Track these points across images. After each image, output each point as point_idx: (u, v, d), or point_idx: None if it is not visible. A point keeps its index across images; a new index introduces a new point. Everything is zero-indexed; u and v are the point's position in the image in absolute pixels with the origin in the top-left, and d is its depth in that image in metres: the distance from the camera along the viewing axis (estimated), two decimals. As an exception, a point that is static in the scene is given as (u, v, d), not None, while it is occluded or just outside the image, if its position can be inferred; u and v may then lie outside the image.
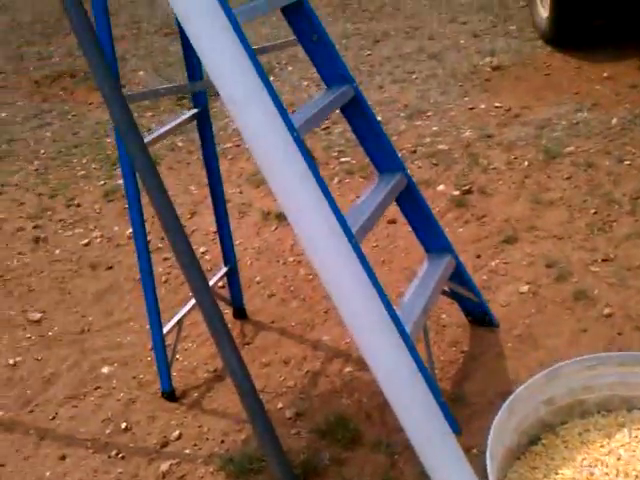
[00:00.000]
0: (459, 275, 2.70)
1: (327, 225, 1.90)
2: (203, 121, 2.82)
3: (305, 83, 5.74)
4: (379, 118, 4.66)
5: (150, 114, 5.71)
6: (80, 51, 5.99)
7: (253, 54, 1.93)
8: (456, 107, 4.95)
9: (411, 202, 2.55)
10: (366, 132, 2.46)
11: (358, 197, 4.00)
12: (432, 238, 2.63)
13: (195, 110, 2.79)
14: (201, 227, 4.03)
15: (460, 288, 2.69)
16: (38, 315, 3.50)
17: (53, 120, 6.04)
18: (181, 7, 1.65)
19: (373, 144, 2.47)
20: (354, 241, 1.91)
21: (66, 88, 6.71)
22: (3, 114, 6.37)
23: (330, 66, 2.41)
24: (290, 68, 6.12)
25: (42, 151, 5.47)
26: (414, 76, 5.61)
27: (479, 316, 2.83)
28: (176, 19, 2.31)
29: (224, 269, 3.12)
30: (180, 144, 5.13)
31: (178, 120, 2.73)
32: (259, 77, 1.92)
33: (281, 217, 3.95)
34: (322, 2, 7.88)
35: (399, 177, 2.42)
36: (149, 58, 7.05)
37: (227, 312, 3.14)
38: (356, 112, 2.44)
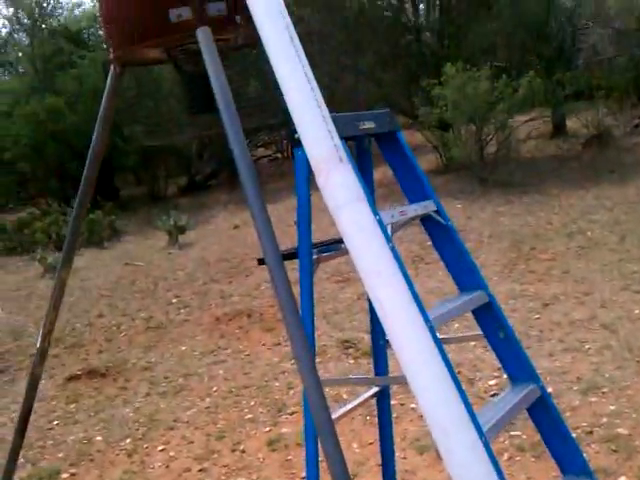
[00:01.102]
0: None
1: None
2: (382, 397, 2.91)
3: (472, 343, 5.76)
4: (549, 390, 4.52)
5: (318, 360, 5.93)
6: (257, 291, 6.43)
7: (440, 345, 2.01)
8: (634, 385, 4.71)
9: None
10: (552, 434, 2.40)
11: (529, 478, 3.84)
12: None
13: (377, 389, 2.89)
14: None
15: None
16: None
17: (227, 358, 6.43)
18: (389, 328, 1.80)
19: (560, 447, 2.39)
20: None
21: (242, 327, 7.20)
22: (183, 347, 6.88)
23: (516, 363, 2.44)
24: (456, 325, 6.21)
25: (214, 388, 5.77)
26: (587, 346, 5.47)
27: None
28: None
29: None
30: (345, 395, 5.22)
31: (362, 398, 2.84)
32: (448, 374, 1.98)
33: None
34: (488, 260, 8.12)
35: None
36: (319, 304, 7.47)
37: None
38: (542, 412, 2.41)
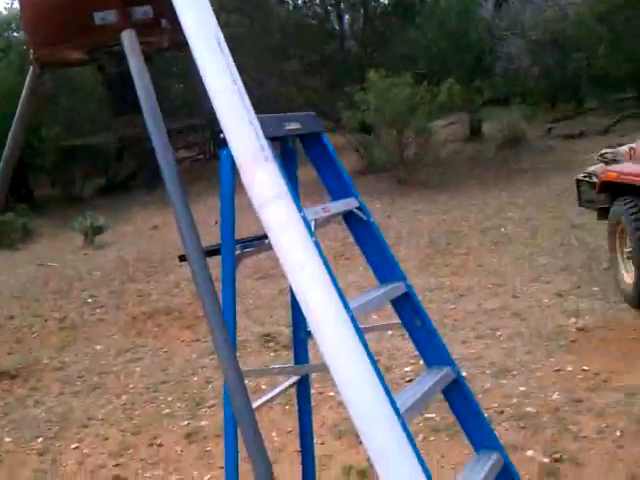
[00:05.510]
0: None
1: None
2: (302, 386, 2.92)
3: (389, 332, 5.86)
4: (463, 374, 4.63)
5: (238, 354, 5.90)
6: (177, 290, 6.33)
7: (361, 333, 2.03)
8: (542, 368, 4.90)
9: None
10: (466, 414, 2.48)
11: (442, 457, 3.93)
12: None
13: (297, 377, 2.89)
14: (280, 479, 3.95)
15: None
16: None
17: (144, 355, 6.31)
18: (311, 319, 1.83)
19: (473, 426, 2.47)
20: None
21: (160, 325, 7.08)
22: (98, 346, 6.71)
23: (432, 349, 2.52)
24: (374, 317, 6.29)
25: (131, 386, 5.65)
26: (498, 333, 5.66)
27: None
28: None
29: (305, 531, 3.00)
30: (264, 387, 5.21)
31: (282, 387, 2.83)
32: (370, 363, 2.01)
33: (364, 474, 3.84)
34: (407, 256, 8.28)
35: (496, 457, 2.39)
36: (240, 300, 7.41)
37: None
38: (456, 393, 2.48)
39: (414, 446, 1.97)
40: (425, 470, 1.93)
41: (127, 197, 15.64)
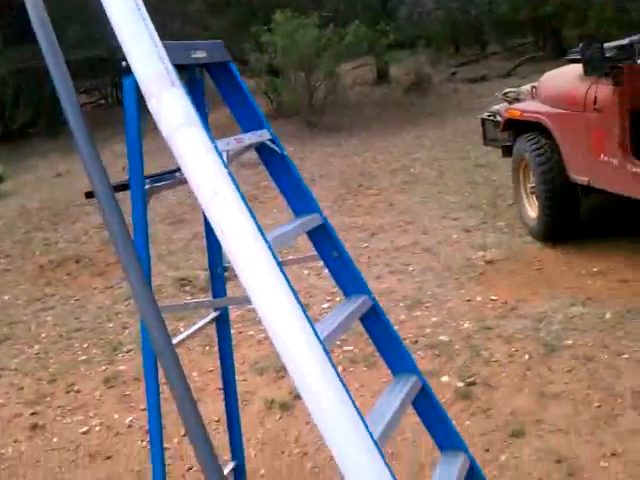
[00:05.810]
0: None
1: (353, 428, 1.93)
2: (222, 322, 2.91)
3: (306, 272, 5.94)
4: (379, 308, 4.78)
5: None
6: (85, 237, 6.17)
7: (280, 264, 2.06)
8: (453, 299, 5.11)
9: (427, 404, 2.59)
10: (383, 340, 2.56)
11: (362, 386, 4.07)
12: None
13: (216, 313, 2.88)
14: (203, 416, 3.97)
15: (474, 485, 2.64)
16: (31, 509, 3.37)
17: (56, 304, 6.14)
18: (229, 248, 1.82)
19: (390, 351, 2.55)
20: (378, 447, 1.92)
21: (70, 273, 6.89)
22: (6, 297, 6.48)
23: (349, 278, 2.57)
24: (290, 257, 6.34)
25: (43, 335, 5.51)
26: (410, 268, 5.84)
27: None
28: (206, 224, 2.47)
29: (231, 464, 3.05)
30: (182, 329, 5.20)
31: (201, 323, 2.82)
32: (289, 289, 2.04)
33: (285, 406, 3.93)
34: (319, 197, 8.31)
35: (414, 380, 2.48)
36: (153, 246, 7.29)
37: (231, 508, 3.03)
38: (373, 320, 2.55)
39: (335, 370, 2.04)
40: (347, 391, 2.00)
41: (26, 145, 14.93)
